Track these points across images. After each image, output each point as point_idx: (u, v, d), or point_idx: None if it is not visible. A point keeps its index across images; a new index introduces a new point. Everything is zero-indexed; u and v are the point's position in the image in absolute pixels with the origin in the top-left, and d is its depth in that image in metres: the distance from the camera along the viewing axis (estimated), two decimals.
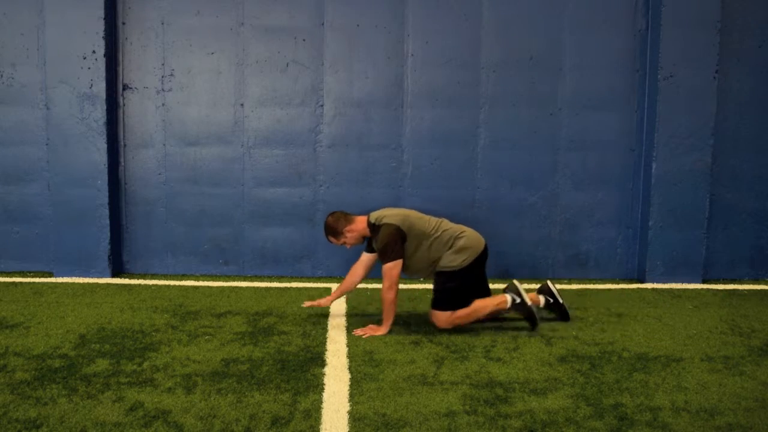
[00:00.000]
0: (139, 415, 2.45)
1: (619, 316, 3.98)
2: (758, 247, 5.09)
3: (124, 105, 4.95)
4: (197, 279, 4.93)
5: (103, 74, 4.72)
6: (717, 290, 4.73)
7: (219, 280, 4.88)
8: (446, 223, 3.64)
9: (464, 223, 4.94)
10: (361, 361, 3.09)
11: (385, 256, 3.47)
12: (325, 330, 3.61)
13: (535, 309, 3.63)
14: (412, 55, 4.91)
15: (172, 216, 5.04)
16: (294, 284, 4.77)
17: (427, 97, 4.94)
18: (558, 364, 3.09)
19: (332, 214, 3.71)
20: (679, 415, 2.52)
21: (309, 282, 4.86)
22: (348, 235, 3.64)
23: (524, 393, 2.72)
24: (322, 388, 2.75)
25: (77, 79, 4.73)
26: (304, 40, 4.91)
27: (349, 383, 2.81)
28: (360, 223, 3.64)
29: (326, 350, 3.25)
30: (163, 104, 4.95)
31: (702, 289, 4.76)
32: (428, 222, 3.59)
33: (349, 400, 2.62)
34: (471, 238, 3.59)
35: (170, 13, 4.88)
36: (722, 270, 5.10)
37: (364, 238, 3.70)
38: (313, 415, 2.48)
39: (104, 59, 4.72)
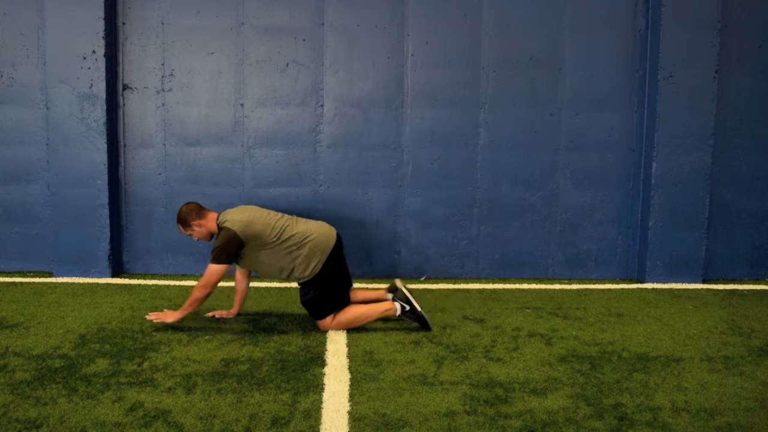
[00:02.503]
0: (139, 415, 2.45)
1: (619, 316, 3.99)
2: (758, 247, 5.09)
3: (124, 105, 4.95)
4: (197, 279, 4.91)
5: (103, 74, 4.72)
6: (717, 290, 4.73)
7: None
8: (293, 227, 3.52)
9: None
10: (361, 361, 3.09)
11: (213, 257, 3.43)
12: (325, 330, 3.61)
13: (425, 314, 3.60)
14: (412, 55, 4.91)
15: (172, 216, 5.02)
16: (294, 284, 4.75)
17: (427, 97, 4.94)
18: (558, 364, 3.09)
19: (188, 204, 3.65)
20: (679, 415, 2.52)
21: None
22: (196, 229, 3.60)
23: (524, 393, 2.72)
24: (322, 388, 2.75)
25: (77, 79, 4.73)
26: (304, 40, 4.91)
27: (349, 383, 2.81)
28: (210, 221, 3.59)
29: (326, 350, 3.25)
30: (163, 104, 4.95)
31: (702, 289, 4.76)
32: (272, 228, 3.48)
33: (349, 400, 2.62)
34: (316, 241, 3.50)
35: (170, 13, 4.88)
36: (722, 270, 5.09)
37: (212, 235, 3.64)
38: (313, 415, 2.49)
39: (104, 59, 4.72)
